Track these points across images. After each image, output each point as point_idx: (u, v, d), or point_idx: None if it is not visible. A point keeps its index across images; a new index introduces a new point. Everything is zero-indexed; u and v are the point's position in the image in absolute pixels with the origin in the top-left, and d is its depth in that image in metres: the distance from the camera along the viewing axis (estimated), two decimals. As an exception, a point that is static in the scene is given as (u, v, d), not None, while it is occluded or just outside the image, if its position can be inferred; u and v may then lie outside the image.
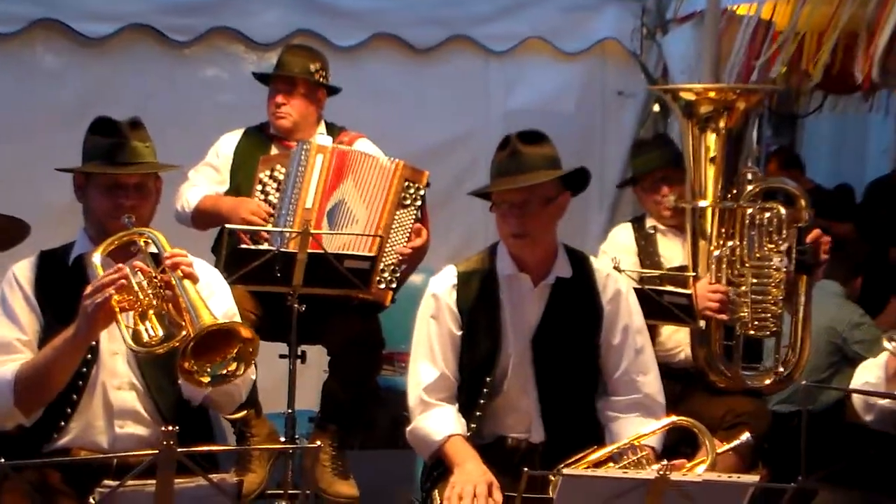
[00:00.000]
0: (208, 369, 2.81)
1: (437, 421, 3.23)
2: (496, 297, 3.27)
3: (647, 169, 4.32)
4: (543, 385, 3.26)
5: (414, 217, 4.15)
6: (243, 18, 5.53)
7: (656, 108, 6.16)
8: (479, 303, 3.27)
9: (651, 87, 5.73)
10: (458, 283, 3.29)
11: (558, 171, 3.19)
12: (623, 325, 3.32)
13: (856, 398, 3.32)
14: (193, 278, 2.92)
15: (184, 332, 2.80)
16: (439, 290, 3.31)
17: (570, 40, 6.07)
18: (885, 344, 3.26)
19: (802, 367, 4.03)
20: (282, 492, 3.90)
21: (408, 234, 4.14)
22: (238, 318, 3.23)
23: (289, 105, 4.32)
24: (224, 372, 2.83)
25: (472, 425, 3.25)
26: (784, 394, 4.72)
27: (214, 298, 3.12)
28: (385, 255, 4.05)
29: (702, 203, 4.02)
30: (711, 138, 4.00)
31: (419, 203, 4.16)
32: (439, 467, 3.27)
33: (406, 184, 4.14)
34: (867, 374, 3.35)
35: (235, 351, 2.83)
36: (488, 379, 3.24)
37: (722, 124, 3.98)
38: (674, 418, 3.15)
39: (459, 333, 3.28)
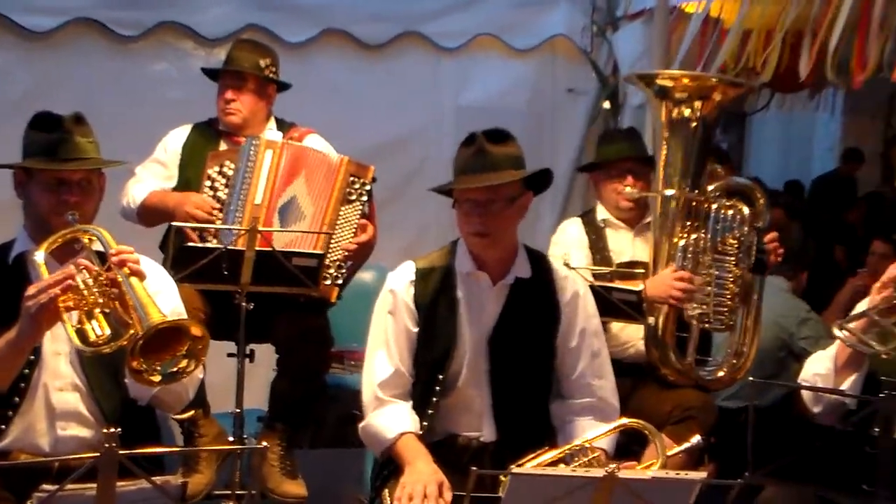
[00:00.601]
0: (158, 367, 2.77)
1: (390, 418, 3.21)
2: (454, 295, 3.26)
3: (617, 157, 4.32)
4: (497, 385, 3.25)
5: (360, 212, 4.13)
6: (192, 13, 5.47)
7: (606, 104, 6.19)
8: (436, 300, 3.25)
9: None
10: (416, 279, 3.28)
11: (524, 172, 3.18)
12: (581, 327, 3.32)
13: (805, 392, 3.34)
14: (140, 275, 2.88)
15: (132, 331, 2.75)
16: (397, 285, 3.29)
17: (520, 37, 6.08)
18: (836, 332, 3.28)
19: (751, 363, 4.06)
20: (229, 492, 3.85)
21: (354, 230, 4.11)
22: (185, 317, 3.19)
23: (238, 101, 4.28)
24: (175, 369, 2.79)
25: (424, 423, 3.24)
26: (731, 389, 4.76)
27: (161, 297, 3.07)
28: (331, 251, 4.03)
29: (668, 192, 4.04)
30: (684, 126, 4.01)
31: (365, 198, 4.14)
32: (389, 466, 3.25)
33: (351, 179, 4.11)
34: (817, 365, 3.37)
35: (185, 348, 2.79)
36: (442, 377, 3.23)
37: (696, 113, 4.00)
38: (625, 420, 3.16)
39: (415, 330, 3.26)
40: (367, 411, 3.27)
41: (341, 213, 4.09)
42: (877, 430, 2.63)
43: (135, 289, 2.83)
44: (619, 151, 4.33)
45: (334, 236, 4.05)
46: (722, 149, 9.74)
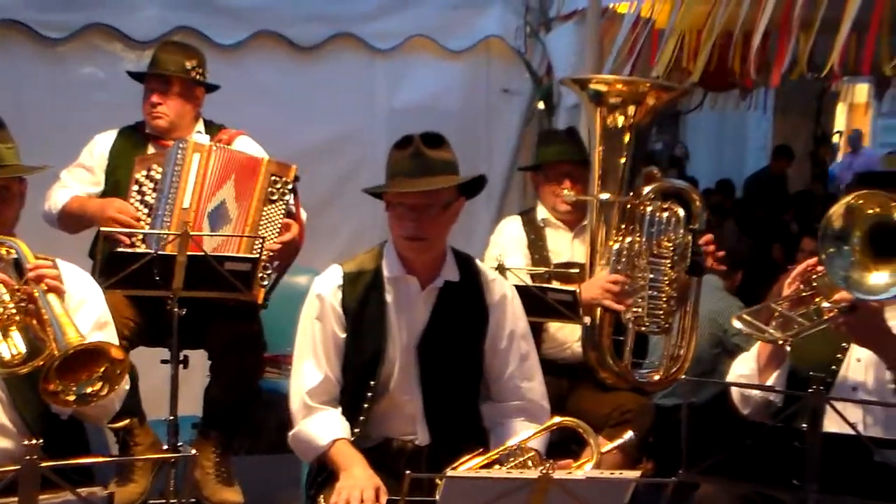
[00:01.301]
0: (74, 388, 2.72)
1: (321, 425, 3.19)
2: (382, 299, 3.23)
3: (556, 159, 4.31)
4: (428, 388, 3.24)
5: (283, 212, 4.09)
6: (121, 15, 5.39)
7: (541, 105, 6.21)
8: (364, 304, 3.22)
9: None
10: (343, 284, 3.24)
11: (460, 178, 3.16)
12: (509, 330, 3.31)
13: (733, 393, 3.38)
14: (59, 291, 2.82)
15: (48, 352, 2.69)
16: (324, 290, 3.25)
17: (454, 38, 6.09)
18: (735, 322, 3.34)
19: (689, 364, 4.09)
20: (163, 501, 3.79)
21: (278, 230, 4.07)
22: (111, 326, 3.14)
23: (165, 105, 4.21)
24: (89, 391, 2.73)
25: (356, 430, 3.21)
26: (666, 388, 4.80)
27: (86, 307, 3.02)
28: (255, 252, 3.98)
29: (604, 196, 4.05)
30: (618, 130, 4.02)
31: (287, 198, 4.10)
32: (324, 472, 3.22)
33: (273, 178, 4.08)
34: (741, 367, 3.41)
35: (102, 370, 2.73)
36: (372, 382, 3.20)
37: (630, 118, 4.01)
38: (558, 419, 3.16)
39: (343, 336, 3.23)
40: (297, 419, 3.23)
41: (264, 213, 4.06)
42: (804, 425, 2.66)
43: (52, 306, 2.77)
44: (557, 154, 4.32)
45: (256, 237, 4.01)
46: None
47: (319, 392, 3.22)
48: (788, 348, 3.30)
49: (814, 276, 3.26)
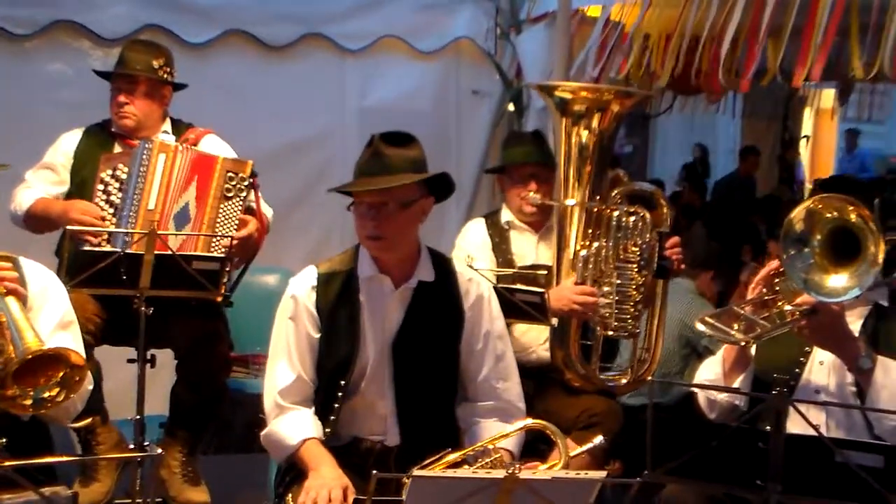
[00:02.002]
0: (31, 393, 2.70)
1: (292, 425, 3.18)
2: (356, 300, 3.22)
3: (520, 161, 4.30)
4: (401, 389, 3.23)
5: (240, 208, 4.09)
6: (89, 12, 5.35)
7: (511, 107, 6.23)
8: (338, 304, 3.22)
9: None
10: (317, 285, 3.23)
11: (417, 175, 3.14)
12: (485, 330, 3.31)
13: (700, 398, 3.40)
14: (18, 294, 2.79)
15: (5, 356, 2.67)
16: (298, 291, 3.24)
17: (425, 39, 6.09)
18: (698, 325, 3.37)
19: (656, 367, 4.12)
20: (129, 501, 3.77)
21: (235, 227, 4.07)
22: (75, 325, 3.11)
23: (132, 104, 4.19)
24: (45, 396, 2.71)
25: (328, 429, 3.21)
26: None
27: (49, 305, 3.00)
28: (213, 249, 3.97)
29: (569, 202, 4.06)
30: (583, 137, 4.03)
31: (244, 194, 4.10)
32: (292, 471, 3.22)
33: (228, 175, 4.07)
34: (707, 371, 3.44)
35: (60, 375, 2.72)
36: (344, 382, 3.20)
37: (595, 124, 4.01)
38: (528, 421, 3.17)
39: (317, 336, 3.22)
40: (269, 419, 3.23)
41: (221, 210, 4.05)
42: (768, 427, 2.69)
43: (10, 309, 2.75)
44: (523, 156, 4.31)
45: (217, 235, 4.01)
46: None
47: (292, 392, 3.22)
48: (753, 352, 3.34)
49: (777, 280, 3.29)
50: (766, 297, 3.30)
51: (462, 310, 3.28)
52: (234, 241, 4.01)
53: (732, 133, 13.34)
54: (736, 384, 3.29)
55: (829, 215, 3.05)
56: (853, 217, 3.00)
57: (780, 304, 3.27)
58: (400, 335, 3.22)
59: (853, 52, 4.91)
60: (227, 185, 4.06)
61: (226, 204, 4.06)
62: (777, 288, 3.28)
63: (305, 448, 3.13)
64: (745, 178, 11.32)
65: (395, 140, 3.14)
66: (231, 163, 4.11)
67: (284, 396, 3.21)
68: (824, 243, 3.05)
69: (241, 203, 4.08)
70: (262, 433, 3.25)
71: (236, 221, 4.07)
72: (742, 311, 3.30)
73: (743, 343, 3.24)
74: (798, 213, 3.08)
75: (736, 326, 3.30)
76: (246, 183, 4.09)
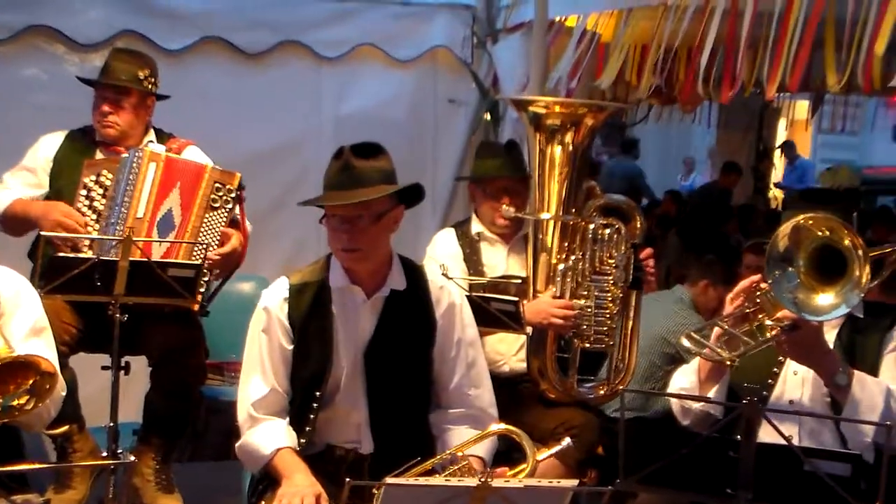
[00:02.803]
0: (0, 400, 2.68)
1: (266, 435, 3.18)
2: (328, 310, 3.23)
3: (493, 175, 4.28)
4: (374, 398, 3.24)
5: (225, 219, 4.09)
6: (64, 17, 5.32)
7: (487, 116, 6.25)
8: (310, 316, 3.22)
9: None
10: (289, 296, 3.23)
11: (390, 187, 3.15)
12: (457, 338, 3.32)
13: (674, 404, 3.42)
14: None
15: None
16: (270, 303, 3.24)
17: (401, 48, 6.10)
18: (683, 341, 3.38)
19: (630, 377, 4.13)
20: (103, 508, 3.76)
21: (219, 237, 4.07)
22: (48, 332, 3.10)
23: (116, 115, 4.17)
24: (14, 404, 2.70)
25: (303, 439, 3.21)
26: (616, 402, 4.83)
27: (20, 312, 2.99)
28: (194, 258, 3.97)
29: (544, 215, 4.06)
30: (558, 151, 4.03)
31: (230, 205, 4.10)
32: (265, 480, 3.22)
33: (216, 185, 4.07)
34: (682, 379, 3.45)
35: (31, 382, 2.71)
36: (318, 393, 3.21)
37: (569, 139, 4.01)
38: (494, 427, 3.18)
39: (290, 347, 3.22)
40: (243, 431, 3.23)
41: (206, 219, 4.05)
42: (739, 436, 2.71)
43: None
44: (495, 169, 4.28)
45: (198, 244, 4.00)
46: (591, 158, 9.99)
47: (265, 404, 3.22)
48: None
49: (758, 293, 3.30)
50: (747, 310, 3.29)
51: (434, 318, 3.29)
52: (217, 257, 4.01)
53: (708, 143, 13.43)
54: (711, 394, 3.30)
55: (818, 233, 3.05)
56: (846, 242, 2.99)
57: (760, 317, 3.27)
58: (372, 344, 3.23)
59: (828, 65, 4.96)
60: (213, 196, 4.05)
61: (211, 214, 4.05)
62: (758, 301, 3.28)
63: (279, 457, 3.13)
64: (721, 190, 11.41)
65: (365, 152, 3.14)
66: (219, 173, 4.10)
67: (258, 408, 3.21)
68: (809, 262, 3.05)
69: (226, 214, 4.08)
70: (237, 445, 3.25)
71: (220, 232, 4.06)
72: (724, 326, 3.30)
73: (728, 362, 3.24)
74: (783, 231, 3.07)
75: (719, 342, 3.30)
76: (233, 195, 4.09)
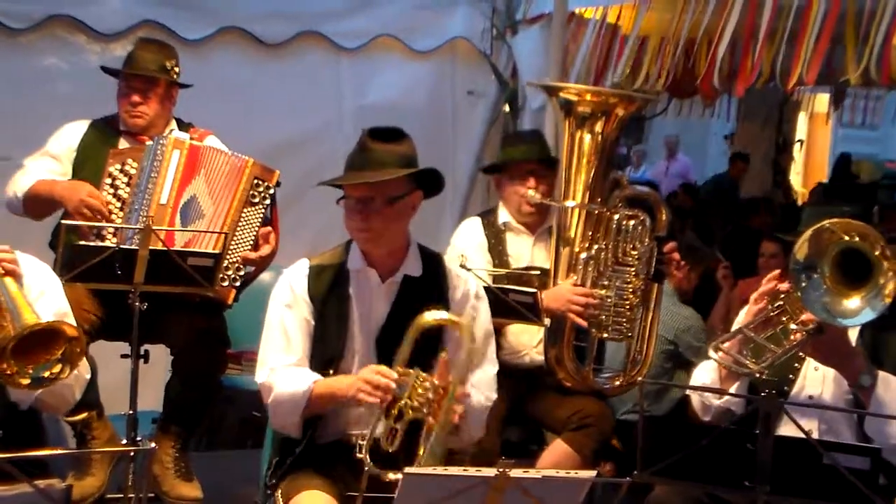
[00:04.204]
0: (30, 371, 2.71)
1: (293, 378, 3.16)
2: (346, 292, 3.25)
3: (519, 158, 4.30)
4: None
5: (262, 216, 4.10)
6: (85, 7, 5.35)
7: (506, 108, 6.25)
8: (329, 295, 3.24)
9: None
10: (309, 275, 3.27)
11: (403, 170, 3.16)
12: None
13: (694, 400, 3.40)
14: (15, 275, 2.81)
15: (2, 333, 2.68)
16: (293, 279, 3.27)
17: (421, 39, 6.11)
18: (711, 353, 3.33)
19: (647, 370, 4.13)
20: (121, 496, 3.79)
21: (255, 232, 4.08)
22: (70, 318, 3.13)
23: (145, 105, 4.19)
24: (47, 374, 2.73)
25: (313, 427, 3.20)
26: (628, 404, 4.84)
27: (44, 298, 3.01)
28: (230, 252, 3.99)
29: (570, 203, 4.07)
30: (587, 139, 4.04)
31: (268, 202, 4.11)
32: (283, 465, 3.22)
33: (255, 181, 4.08)
34: (703, 375, 3.42)
35: (61, 352, 2.73)
36: (332, 372, 3.21)
37: (598, 127, 4.03)
38: (429, 315, 3.04)
39: (313, 323, 3.24)
40: (268, 392, 3.19)
41: (243, 214, 4.06)
42: (757, 430, 2.71)
43: (7, 288, 2.77)
44: (523, 153, 4.31)
45: (235, 238, 4.01)
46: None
47: (287, 366, 3.22)
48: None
49: (780, 296, 3.27)
50: (771, 314, 3.27)
51: (448, 304, 3.27)
52: (256, 257, 4.04)
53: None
54: (734, 388, 3.27)
55: (843, 238, 3.02)
56: (875, 251, 2.96)
57: (784, 320, 3.24)
58: (384, 329, 3.24)
59: (849, 58, 4.93)
60: (252, 192, 4.07)
61: (249, 209, 4.07)
62: (780, 303, 3.25)
63: (316, 386, 3.13)
64: (734, 179, 11.38)
65: (384, 135, 3.17)
66: (260, 168, 4.11)
67: (280, 366, 3.20)
68: (834, 267, 3.02)
69: (263, 211, 4.09)
70: (269, 401, 3.20)
71: (256, 228, 4.07)
72: (750, 335, 3.26)
73: (757, 374, 3.20)
74: (804, 238, 3.03)
75: (744, 349, 3.27)
76: (271, 192, 4.11)
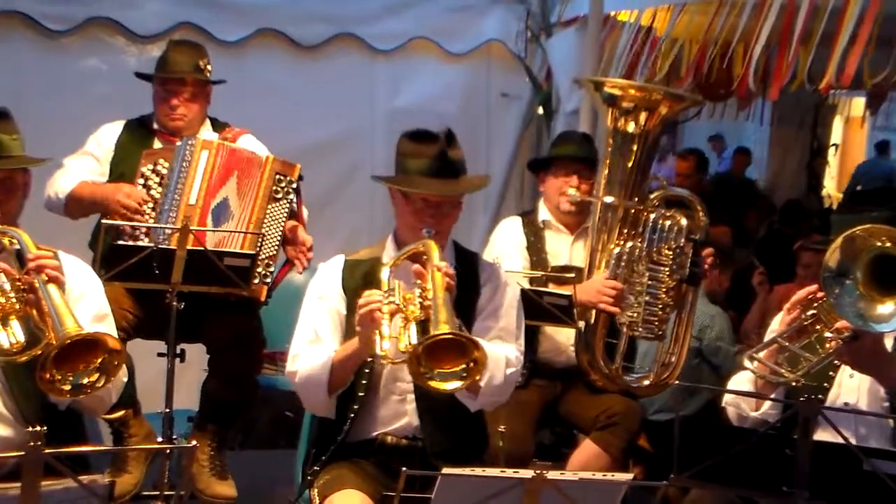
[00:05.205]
0: (70, 378, 2.74)
1: (315, 354, 3.20)
2: (378, 284, 3.23)
3: (567, 156, 4.33)
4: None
5: (287, 210, 4.13)
6: (123, 10, 5.41)
7: (540, 110, 6.25)
8: (363, 288, 3.22)
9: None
10: (344, 268, 3.32)
11: (485, 179, 3.41)
12: (494, 307, 3.32)
13: (730, 412, 3.35)
14: (59, 282, 2.84)
15: (45, 341, 2.72)
16: (327, 272, 3.33)
17: (455, 41, 6.12)
18: (746, 363, 3.30)
19: (679, 372, 4.12)
20: (157, 493, 3.82)
21: (282, 228, 4.11)
22: (111, 319, 3.16)
23: (183, 107, 4.22)
24: (85, 381, 2.76)
25: (351, 416, 3.22)
26: (658, 402, 4.82)
27: (86, 299, 3.04)
28: (263, 251, 4.01)
29: (608, 199, 4.07)
30: (628, 136, 4.04)
31: (291, 196, 4.14)
32: (321, 457, 3.25)
33: (277, 177, 4.11)
34: (740, 385, 3.38)
35: (99, 361, 2.76)
36: (367, 370, 3.23)
37: (641, 124, 4.03)
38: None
39: (345, 314, 3.27)
40: (295, 375, 3.23)
41: (268, 211, 4.09)
42: (796, 435, 2.69)
43: (51, 296, 2.80)
44: (571, 151, 4.36)
45: (256, 233, 4.03)
46: (702, 154, 9.95)
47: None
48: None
49: (814, 304, 3.23)
50: (805, 322, 3.23)
51: (479, 292, 3.32)
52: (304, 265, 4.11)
53: (761, 140, 13.26)
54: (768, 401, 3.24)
55: (876, 244, 3.00)
56: None
57: (818, 328, 3.22)
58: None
59: (866, 62, 4.90)
60: (275, 187, 4.10)
61: (273, 205, 4.10)
62: (814, 311, 3.22)
63: (336, 354, 3.17)
64: (739, 175, 11.35)
65: (453, 141, 3.26)
66: (280, 164, 4.14)
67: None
68: (867, 273, 2.99)
69: (287, 205, 4.12)
70: (297, 383, 3.24)
71: (282, 223, 4.11)
72: (785, 344, 3.23)
73: (794, 383, 3.18)
74: (836, 244, 3.01)
75: (779, 358, 3.24)
76: (294, 186, 4.13)
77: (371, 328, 3.01)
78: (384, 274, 3.15)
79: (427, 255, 3.10)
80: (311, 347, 3.25)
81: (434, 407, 3.24)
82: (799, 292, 3.32)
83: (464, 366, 2.87)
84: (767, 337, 3.34)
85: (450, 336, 2.83)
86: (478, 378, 2.95)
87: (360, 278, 3.28)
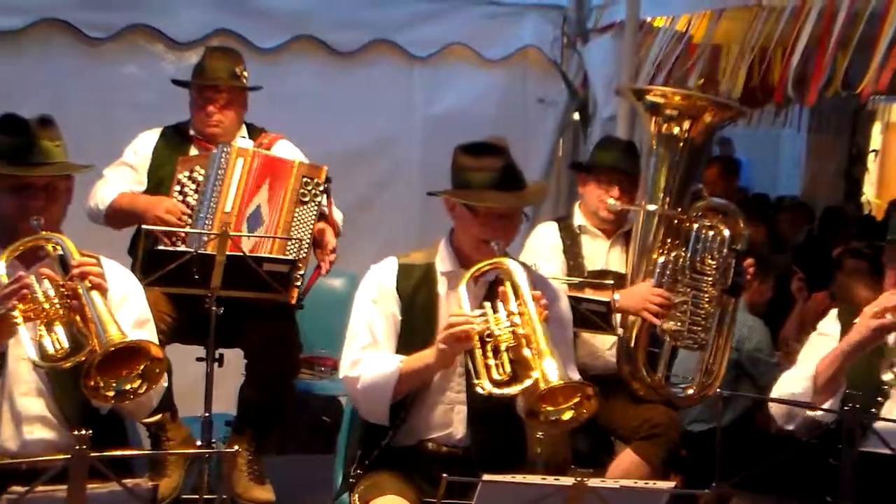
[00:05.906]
0: (114, 384, 2.76)
1: (380, 362, 3.17)
2: (434, 291, 3.27)
3: (610, 165, 4.30)
4: (471, 382, 3.15)
5: (315, 213, 4.14)
6: (163, 17, 5.44)
7: (576, 116, 6.23)
8: (416, 293, 3.26)
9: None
10: (398, 272, 3.29)
11: (546, 187, 3.43)
12: (555, 323, 3.24)
13: (775, 408, 3.32)
14: (102, 289, 2.86)
15: (89, 348, 2.75)
16: (380, 275, 3.30)
17: (492, 47, 6.12)
18: (885, 376, 3.20)
19: (719, 382, 4.10)
20: (197, 497, 3.84)
21: (311, 230, 4.13)
22: (151, 324, 3.18)
23: (220, 114, 4.25)
24: (128, 388, 2.78)
25: (398, 422, 3.21)
26: (695, 413, 4.79)
27: (127, 304, 3.06)
28: (288, 253, 4.03)
29: (651, 207, 4.06)
30: (671, 144, 4.03)
31: (319, 199, 4.15)
32: (364, 462, 3.25)
33: (304, 180, 4.12)
34: (792, 384, 3.30)
35: (142, 368, 2.78)
36: None
37: (684, 132, 4.01)
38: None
39: (401, 318, 3.25)
40: (355, 381, 3.19)
41: (296, 214, 4.11)
42: (840, 444, 2.66)
43: (94, 303, 2.82)
44: (614, 160, 4.32)
45: (291, 238, 4.05)
46: (733, 159, 9.86)
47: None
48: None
49: None
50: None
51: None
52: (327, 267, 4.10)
53: (798, 147, 13.15)
54: (827, 405, 3.16)
55: None
56: None
57: None
58: None
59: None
60: (302, 190, 4.12)
61: (301, 208, 4.12)
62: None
63: (404, 364, 3.14)
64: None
65: (509, 151, 3.26)
66: (307, 167, 4.16)
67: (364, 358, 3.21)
68: None
69: (316, 208, 4.13)
70: (357, 390, 3.19)
71: (311, 226, 4.12)
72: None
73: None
74: None
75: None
76: (321, 188, 4.14)
77: (459, 348, 3.01)
78: (462, 290, 3.12)
79: (509, 279, 3.08)
80: (370, 353, 3.22)
81: (488, 417, 3.22)
82: (884, 298, 3.20)
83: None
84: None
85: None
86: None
87: (414, 283, 3.27)
